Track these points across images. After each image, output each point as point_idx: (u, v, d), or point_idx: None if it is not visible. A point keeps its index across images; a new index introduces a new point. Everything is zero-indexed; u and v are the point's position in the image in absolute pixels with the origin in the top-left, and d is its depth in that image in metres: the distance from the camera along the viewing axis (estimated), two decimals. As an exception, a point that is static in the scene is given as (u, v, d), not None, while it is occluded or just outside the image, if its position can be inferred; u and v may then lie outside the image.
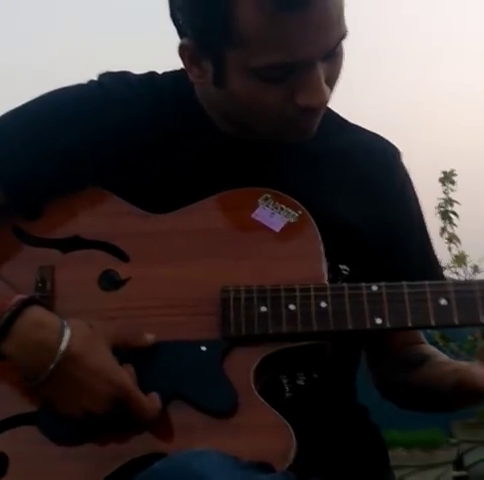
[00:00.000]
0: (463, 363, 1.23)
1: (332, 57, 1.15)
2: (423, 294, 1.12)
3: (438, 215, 3.45)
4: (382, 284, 1.13)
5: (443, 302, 1.11)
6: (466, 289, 1.12)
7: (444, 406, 1.27)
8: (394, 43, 4.49)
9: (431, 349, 1.34)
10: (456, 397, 1.19)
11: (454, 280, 1.19)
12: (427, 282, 1.13)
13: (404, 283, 1.13)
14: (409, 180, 1.37)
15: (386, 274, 1.18)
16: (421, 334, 1.36)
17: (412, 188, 1.37)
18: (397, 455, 3.38)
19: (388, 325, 1.11)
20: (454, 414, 3.65)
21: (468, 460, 3.76)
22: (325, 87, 1.14)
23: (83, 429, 1.09)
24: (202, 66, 1.18)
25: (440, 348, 3.30)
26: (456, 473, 3.69)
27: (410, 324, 1.11)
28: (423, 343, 1.35)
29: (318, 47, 1.11)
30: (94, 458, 1.07)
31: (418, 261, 1.33)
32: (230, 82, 1.16)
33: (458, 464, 3.68)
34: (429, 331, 3.51)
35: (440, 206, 3.46)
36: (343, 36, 1.14)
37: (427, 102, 4.44)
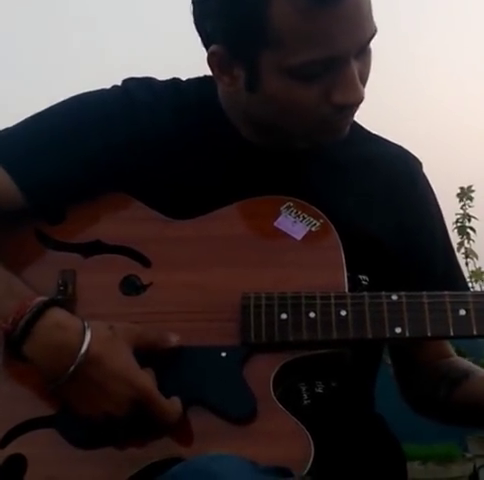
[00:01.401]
0: None
1: (363, 55, 1.16)
2: (442, 304, 1.12)
3: (455, 230, 3.45)
4: (402, 293, 1.14)
5: (462, 312, 1.12)
6: None
7: None
8: (415, 58, 4.50)
9: (468, 363, 1.33)
10: None
11: (474, 291, 1.18)
12: (447, 292, 1.14)
13: (424, 293, 1.13)
14: (431, 189, 1.37)
15: (408, 283, 1.19)
16: (450, 347, 1.36)
17: (434, 197, 1.37)
18: (412, 468, 3.36)
19: (407, 334, 1.11)
20: (470, 429, 3.63)
21: (483, 475, 3.73)
22: (360, 84, 1.15)
23: (102, 432, 1.09)
24: (233, 73, 1.18)
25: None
26: (471, 488, 3.67)
27: (429, 334, 1.11)
28: (453, 356, 1.35)
29: (353, 41, 1.12)
30: (113, 462, 1.08)
31: (442, 268, 1.33)
32: (265, 85, 1.16)
33: (473, 479, 3.66)
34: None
35: (457, 221, 3.46)
36: (374, 31, 1.15)
37: (445, 118, 4.44)
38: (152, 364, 1.11)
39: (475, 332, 1.11)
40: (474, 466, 3.61)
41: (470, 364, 1.33)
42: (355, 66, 1.14)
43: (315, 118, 1.18)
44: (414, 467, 3.37)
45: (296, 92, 1.15)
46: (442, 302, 1.12)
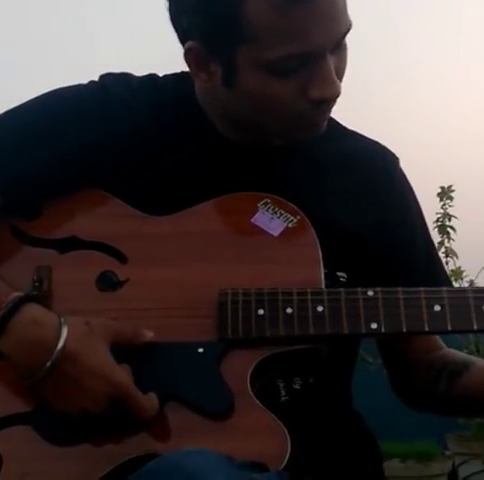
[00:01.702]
0: None
1: (339, 50, 1.16)
2: (418, 300, 1.13)
3: (436, 230, 3.46)
4: (378, 289, 1.14)
5: (437, 308, 1.12)
6: (460, 296, 1.13)
7: None
8: (401, 58, 4.52)
9: (463, 354, 1.34)
10: None
11: (449, 287, 1.18)
12: (422, 288, 1.14)
13: (399, 289, 1.14)
14: (408, 185, 1.37)
15: (388, 280, 1.19)
16: (439, 339, 1.36)
17: (412, 192, 1.37)
18: (392, 466, 3.37)
19: (383, 330, 1.12)
20: (449, 427, 3.65)
21: (462, 473, 3.74)
22: (336, 79, 1.15)
23: (78, 429, 1.08)
24: (210, 69, 1.18)
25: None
26: (450, 485, 3.69)
27: (404, 330, 1.12)
28: (444, 348, 1.35)
29: (329, 35, 1.13)
30: (89, 458, 1.07)
31: (424, 263, 1.34)
32: (241, 81, 1.16)
33: (452, 476, 3.67)
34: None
35: (438, 220, 3.48)
36: (350, 26, 1.16)
37: (427, 118, 4.46)
38: (129, 360, 1.11)
39: (449, 328, 1.11)
40: (453, 464, 3.63)
41: (466, 355, 1.33)
42: (331, 61, 1.14)
43: (292, 113, 1.18)
44: (393, 465, 3.38)
45: (273, 87, 1.15)
46: (417, 298, 1.13)
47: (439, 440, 3.62)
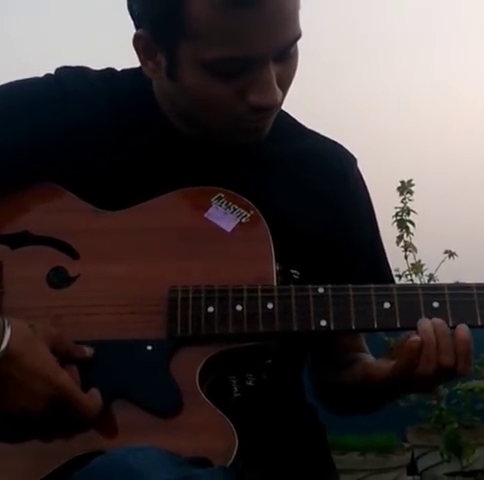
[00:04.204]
0: (379, 360, 1.26)
1: (285, 59, 1.15)
2: (367, 297, 1.13)
3: (395, 224, 3.47)
4: (328, 286, 1.14)
5: (386, 305, 1.13)
6: (409, 293, 1.13)
7: (361, 404, 1.30)
8: (355, 50, 4.53)
9: (366, 355, 1.34)
10: (365, 391, 1.22)
11: (399, 284, 1.19)
12: (372, 285, 1.14)
13: (350, 286, 1.14)
14: (363, 187, 1.37)
15: (336, 278, 1.19)
16: (365, 344, 1.37)
17: (366, 195, 1.37)
18: (352, 459, 3.40)
19: (332, 327, 1.12)
20: (409, 420, 3.69)
21: (421, 465, 3.78)
22: (277, 88, 1.14)
23: (24, 427, 1.08)
24: (156, 59, 1.18)
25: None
26: (410, 477, 3.72)
27: (354, 327, 1.12)
28: (366, 351, 1.36)
29: (270, 44, 1.12)
30: (35, 456, 1.07)
31: (367, 266, 1.34)
32: (182, 75, 1.16)
33: (412, 468, 3.71)
34: (386, 338, 3.51)
35: (397, 215, 3.49)
36: (297, 37, 1.15)
37: (388, 111, 4.49)
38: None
39: (398, 325, 1.12)
40: (412, 456, 3.67)
41: (372, 357, 1.33)
42: (273, 69, 1.13)
43: (231, 116, 1.17)
44: (353, 458, 3.41)
45: (211, 87, 1.14)
46: (367, 295, 1.13)
47: (399, 433, 3.65)
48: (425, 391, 1.18)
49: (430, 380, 1.11)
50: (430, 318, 1.11)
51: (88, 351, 1.12)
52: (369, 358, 1.32)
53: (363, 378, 1.20)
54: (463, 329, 1.10)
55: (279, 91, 1.15)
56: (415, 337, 1.09)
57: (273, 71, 1.13)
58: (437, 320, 1.10)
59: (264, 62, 1.12)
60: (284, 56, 1.15)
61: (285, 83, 1.17)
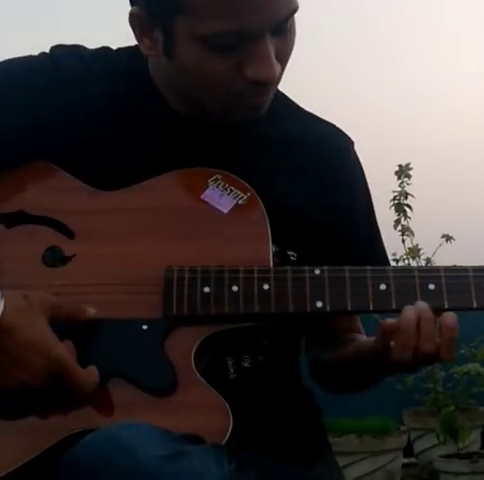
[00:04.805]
0: (367, 339, 1.27)
1: (283, 33, 1.15)
2: (364, 279, 1.13)
3: (393, 208, 3.47)
4: (325, 268, 1.14)
5: (382, 287, 1.13)
6: (405, 275, 1.13)
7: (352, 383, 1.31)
8: (354, 34, 4.52)
9: (360, 335, 1.34)
10: (354, 370, 1.23)
11: (395, 266, 1.19)
12: (369, 267, 1.14)
13: (346, 267, 1.14)
14: (360, 170, 1.37)
15: (332, 261, 1.19)
16: (360, 325, 1.37)
17: (362, 178, 1.37)
18: (348, 442, 3.41)
19: (328, 309, 1.12)
20: (405, 403, 3.71)
21: (417, 447, 3.81)
22: (275, 61, 1.13)
23: (21, 403, 1.08)
24: (153, 36, 1.17)
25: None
26: (406, 460, 3.74)
27: (349, 308, 1.12)
28: (361, 332, 1.36)
29: (266, 16, 1.11)
30: (31, 433, 1.07)
31: (363, 250, 1.34)
32: (179, 52, 1.15)
33: (408, 451, 3.73)
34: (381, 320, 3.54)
35: (394, 199, 3.48)
36: (294, 10, 1.14)
37: (387, 97, 4.48)
38: (72, 336, 1.11)
39: (394, 306, 1.12)
40: (408, 438, 3.69)
41: (365, 337, 1.33)
42: (271, 42, 1.13)
43: (229, 92, 1.17)
44: (350, 440, 3.42)
45: (209, 63, 1.13)
46: (363, 277, 1.13)
47: (395, 416, 3.67)
48: (406, 372, 1.20)
49: (408, 364, 1.11)
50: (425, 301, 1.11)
51: (90, 311, 1.11)
52: (362, 338, 1.32)
53: (352, 357, 1.21)
54: (450, 316, 1.10)
55: (277, 65, 1.14)
56: (390, 320, 1.10)
57: (270, 45, 1.12)
58: (422, 305, 1.11)
59: (261, 36, 1.12)
60: (281, 30, 1.14)
61: (283, 57, 1.16)
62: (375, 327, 1.14)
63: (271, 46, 1.13)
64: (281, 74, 1.18)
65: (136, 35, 1.19)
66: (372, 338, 1.19)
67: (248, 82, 1.14)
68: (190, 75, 1.17)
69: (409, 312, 1.10)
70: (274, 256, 1.18)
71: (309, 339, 1.37)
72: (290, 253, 1.26)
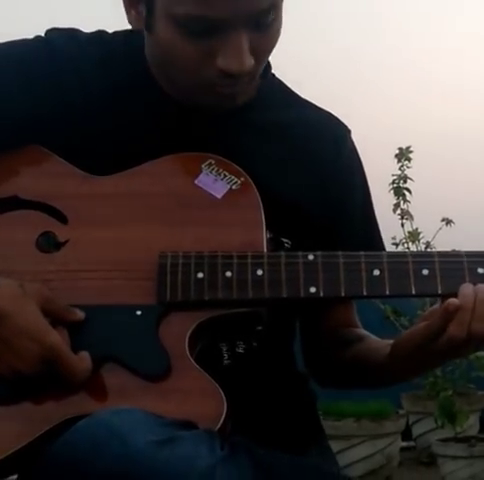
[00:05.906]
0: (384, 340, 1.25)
1: (263, 28, 1.14)
2: (357, 264, 1.13)
3: (392, 192, 3.45)
4: (318, 253, 1.14)
5: (376, 272, 1.12)
6: (399, 260, 1.13)
7: (375, 379, 1.28)
8: (352, 18, 4.50)
9: (367, 332, 1.34)
10: (392, 364, 1.19)
11: (389, 251, 1.19)
12: (362, 253, 1.14)
13: (340, 253, 1.14)
14: (356, 158, 1.36)
15: (327, 249, 1.19)
16: (357, 318, 1.36)
17: (359, 166, 1.36)
18: (347, 425, 3.42)
19: (322, 294, 1.12)
20: (403, 387, 3.71)
21: (416, 431, 3.82)
22: (247, 55, 1.13)
23: (14, 390, 1.08)
24: (139, 8, 1.18)
25: (391, 323, 3.35)
26: (404, 443, 3.75)
27: (343, 294, 1.12)
28: (358, 326, 1.35)
29: (239, 8, 1.10)
30: (25, 419, 1.07)
31: (359, 240, 1.33)
32: (156, 28, 1.16)
33: (406, 434, 3.75)
34: (382, 306, 3.52)
35: (394, 182, 3.46)
36: (272, 4, 1.13)
37: (386, 79, 4.46)
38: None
39: (388, 292, 1.12)
40: (407, 422, 3.70)
41: (368, 334, 1.33)
42: (247, 36, 1.12)
43: (199, 77, 1.17)
44: (348, 424, 3.43)
45: (181, 44, 1.14)
46: (357, 262, 1.13)
47: (394, 399, 3.68)
48: (454, 356, 1.17)
49: (459, 344, 1.09)
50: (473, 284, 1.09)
51: (79, 314, 1.12)
52: (371, 336, 1.31)
53: (383, 355, 1.18)
54: None
55: (250, 59, 1.13)
56: (453, 299, 1.08)
57: (245, 38, 1.12)
58: (481, 286, 1.09)
59: (234, 27, 1.11)
60: (260, 24, 1.13)
61: (260, 53, 1.16)
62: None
63: (245, 39, 1.12)
64: (258, 68, 1.18)
65: (125, 5, 1.20)
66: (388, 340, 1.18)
67: (218, 71, 1.14)
68: (162, 51, 1.18)
69: (468, 289, 1.09)
70: (268, 243, 1.18)
71: (305, 339, 1.37)
72: (284, 240, 1.26)
